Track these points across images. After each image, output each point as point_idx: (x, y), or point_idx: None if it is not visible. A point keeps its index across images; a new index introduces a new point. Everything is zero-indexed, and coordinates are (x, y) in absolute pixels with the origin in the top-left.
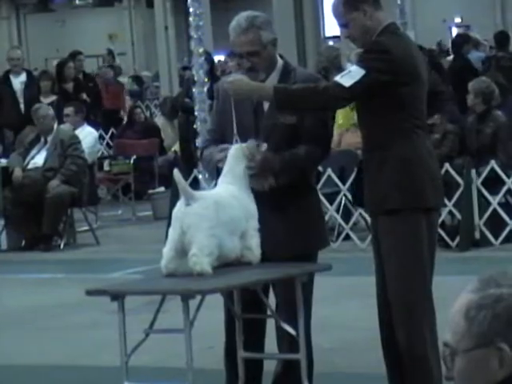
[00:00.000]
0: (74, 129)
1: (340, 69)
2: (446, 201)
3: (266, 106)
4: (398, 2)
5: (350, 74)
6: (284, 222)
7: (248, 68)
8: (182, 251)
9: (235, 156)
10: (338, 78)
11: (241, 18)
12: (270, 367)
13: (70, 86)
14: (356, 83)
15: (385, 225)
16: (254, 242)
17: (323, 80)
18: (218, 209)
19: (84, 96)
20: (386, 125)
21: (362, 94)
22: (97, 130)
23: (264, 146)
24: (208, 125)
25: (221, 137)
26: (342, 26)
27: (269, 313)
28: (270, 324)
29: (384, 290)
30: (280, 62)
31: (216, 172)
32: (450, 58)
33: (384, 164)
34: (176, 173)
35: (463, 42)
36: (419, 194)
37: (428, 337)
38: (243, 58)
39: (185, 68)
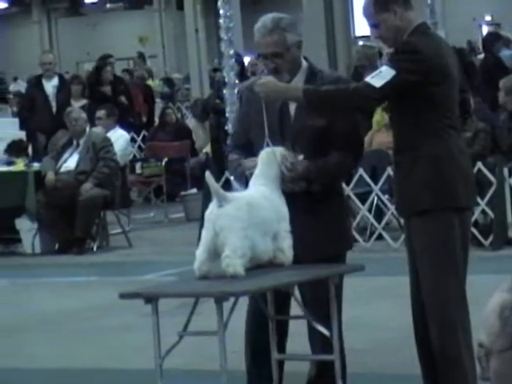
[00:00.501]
0: (106, 132)
1: (376, 68)
2: (479, 199)
3: (292, 108)
4: (428, 2)
5: (381, 75)
6: (313, 224)
7: (272, 69)
8: (215, 253)
9: (267, 159)
10: (368, 79)
11: (266, 19)
12: (290, 368)
13: (107, 89)
14: (387, 83)
15: (417, 225)
16: (286, 243)
17: (352, 82)
18: (251, 210)
19: (123, 99)
20: (417, 125)
21: (392, 94)
22: (128, 132)
23: (301, 156)
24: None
25: (245, 141)
26: (373, 26)
27: (301, 313)
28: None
29: (418, 289)
30: (305, 64)
31: (245, 180)
32: (481, 56)
33: (415, 164)
34: (208, 175)
35: (494, 40)
36: (451, 194)
37: (462, 336)
38: (267, 59)
39: (215, 70)
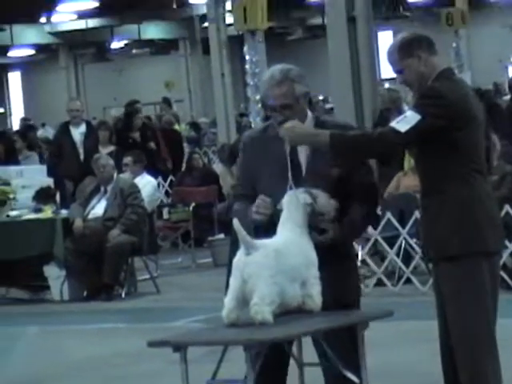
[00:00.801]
0: (134, 178)
1: (401, 111)
2: (507, 242)
3: (302, 156)
4: (454, 45)
5: (406, 120)
6: (333, 273)
7: (281, 121)
8: (244, 300)
9: (293, 203)
10: (393, 124)
11: (275, 70)
12: None
13: (136, 135)
14: (411, 128)
15: (446, 270)
16: (316, 289)
17: (357, 129)
18: (279, 257)
19: (152, 145)
20: (443, 169)
21: (417, 139)
22: (155, 177)
23: (335, 203)
24: None
25: (250, 191)
26: (398, 72)
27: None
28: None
29: (447, 334)
30: (310, 114)
31: (253, 230)
32: (507, 97)
33: (442, 208)
34: (235, 222)
35: None
36: (479, 238)
37: (492, 378)
38: (276, 111)
39: (242, 115)
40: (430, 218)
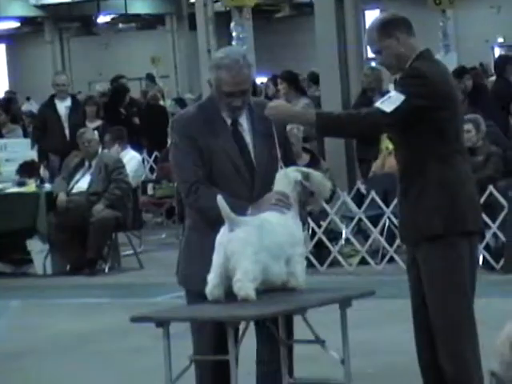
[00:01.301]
0: (119, 153)
1: (384, 91)
2: (490, 222)
3: (247, 136)
4: (441, 24)
5: (391, 100)
6: None
7: (238, 107)
8: (227, 277)
9: (283, 181)
10: (378, 104)
11: (236, 54)
12: None
13: (123, 110)
14: (396, 108)
15: (428, 251)
16: (299, 268)
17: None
18: (262, 234)
19: (136, 120)
20: (424, 151)
21: (402, 119)
22: (140, 153)
23: (330, 184)
24: None
25: (207, 174)
26: (376, 52)
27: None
28: None
29: (424, 315)
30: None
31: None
32: (493, 78)
33: (424, 190)
34: (220, 199)
35: (505, 63)
36: (461, 218)
37: (472, 359)
38: (232, 96)
39: None
40: (410, 201)
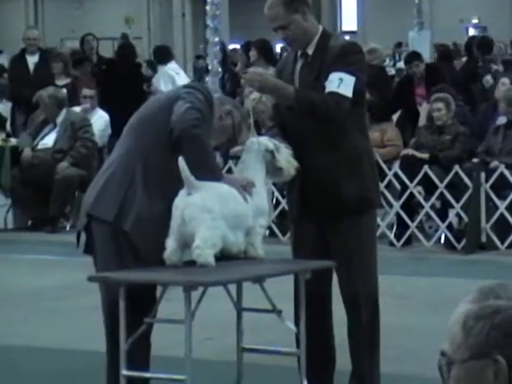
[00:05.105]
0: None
1: None
2: (454, 203)
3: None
4: (416, 1)
5: (345, 83)
6: None
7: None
8: (185, 243)
9: (253, 148)
10: (336, 90)
11: None
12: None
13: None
14: (354, 91)
15: (344, 226)
16: (258, 239)
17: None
18: (221, 202)
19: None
20: (343, 124)
21: (360, 98)
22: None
23: (296, 164)
24: None
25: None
26: (280, 27)
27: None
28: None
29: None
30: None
31: None
32: (465, 59)
33: (338, 165)
34: (181, 160)
35: (473, 44)
36: (373, 195)
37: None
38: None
39: (198, 57)
40: (325, 175)
